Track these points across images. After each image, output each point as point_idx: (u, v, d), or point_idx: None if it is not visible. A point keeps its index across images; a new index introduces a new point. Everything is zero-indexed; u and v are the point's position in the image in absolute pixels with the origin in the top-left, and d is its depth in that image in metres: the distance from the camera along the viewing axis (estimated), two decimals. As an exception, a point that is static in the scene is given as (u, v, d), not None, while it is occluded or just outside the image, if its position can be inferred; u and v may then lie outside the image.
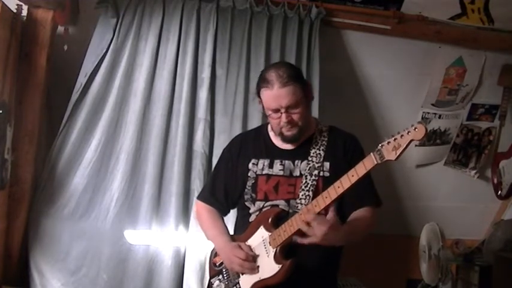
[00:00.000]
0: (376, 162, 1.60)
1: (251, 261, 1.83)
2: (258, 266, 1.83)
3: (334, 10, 2.93)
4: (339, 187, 1.68)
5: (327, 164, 1.88)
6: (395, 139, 1.57)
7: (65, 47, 2.74)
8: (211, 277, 2.01)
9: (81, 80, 2.70)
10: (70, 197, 2.69)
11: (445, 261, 3.01)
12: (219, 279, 1.95)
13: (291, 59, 2.85)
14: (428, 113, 3.30)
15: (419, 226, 3.23)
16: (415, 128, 1.54)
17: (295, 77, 1.84)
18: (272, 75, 1.83)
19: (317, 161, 1.88)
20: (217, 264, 1.98)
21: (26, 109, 2.57)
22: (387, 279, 3.31)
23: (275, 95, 1.82)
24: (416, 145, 3.33)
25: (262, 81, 1.87)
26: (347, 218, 1.85)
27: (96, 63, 2.71)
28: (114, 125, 2.75)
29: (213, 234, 2.00)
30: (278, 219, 1.84)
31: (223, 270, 1.95)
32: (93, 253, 2.67)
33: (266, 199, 1.91)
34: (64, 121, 2.70)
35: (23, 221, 2.62)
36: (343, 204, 1.84)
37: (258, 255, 1.84)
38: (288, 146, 1.93)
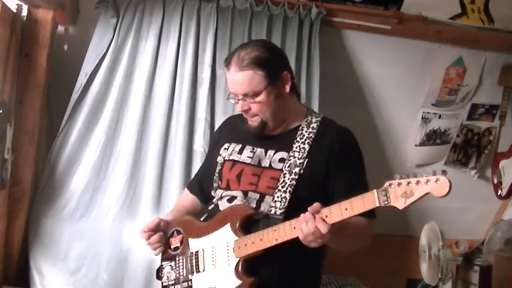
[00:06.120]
0: (378, 205, 1.30)
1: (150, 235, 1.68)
2: (215, 266, 1.61)
3: (334, 10, 2.92)
4: (327, 216, 1.39)
5: (307, 161, 1.63)
6: (408, 183, 1.26)
7: (65, 47, 2.73)
8: (162, 259, 1.79)
9: (81, 80, 2.69)
10: (70, 197, 2.69)
11: (445, 261, 3.01)
12: (171, 266, 1.74)
13: (291, 59, 2.84)
14: (428, 113, 3.29)
15: (419, 226, 3.22)
16: (436, 180, 1.25)
17: (259, 62, 1.57)
18: (234, 56, 1.60)
19: (299, 157, 1.62)
20: (172, 247, 1.75)
21: (26, 109, 2.56)
22: (387, 279, 3.30)
23: (231, 78, 1.61)
24: (416, 145, 3.33)
25: (225, 59, 1.65)
26: None
27: (96, 63, 2.70)
28: (114, 125, 2.74)
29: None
30: (249, 222, 1.59)
31: (177, 258, 1.73)
32: (93, 253, 2.66)
33: (228, 188, 1.69)
34: (64, 121, 2.70)
35: (23, 221, 2.62)
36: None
37: (214, 251, 1.63)
38: (266, 133, 1.68)
